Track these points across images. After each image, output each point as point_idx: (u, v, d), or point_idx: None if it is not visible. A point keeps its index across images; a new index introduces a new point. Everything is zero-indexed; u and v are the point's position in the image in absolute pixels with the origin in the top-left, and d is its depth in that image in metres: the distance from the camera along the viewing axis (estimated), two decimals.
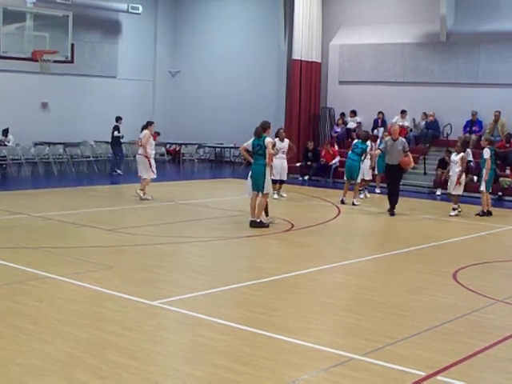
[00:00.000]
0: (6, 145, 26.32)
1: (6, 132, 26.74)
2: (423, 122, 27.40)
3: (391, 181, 18.92)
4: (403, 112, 27.51)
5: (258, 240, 14.82)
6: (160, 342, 8.18)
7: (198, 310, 9.25)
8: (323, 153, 27.12)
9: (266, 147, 15.75)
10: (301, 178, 26.92)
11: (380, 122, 28.33)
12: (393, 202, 18.72)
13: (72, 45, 26.01)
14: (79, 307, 9.31)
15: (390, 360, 7.59)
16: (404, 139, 19.32)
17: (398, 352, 7.92)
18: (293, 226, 16.31)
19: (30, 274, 10.91)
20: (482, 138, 20.86)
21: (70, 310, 9.14)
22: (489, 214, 18.96)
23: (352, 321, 9.22)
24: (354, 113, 29.04)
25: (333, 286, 11.40)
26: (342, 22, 29.96)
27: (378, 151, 19.85)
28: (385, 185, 20.18)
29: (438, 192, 23.51)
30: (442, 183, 22.33)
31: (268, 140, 15.94)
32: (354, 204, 20.01)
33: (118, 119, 27.24)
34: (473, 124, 26.08)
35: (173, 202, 19.82)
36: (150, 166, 19.86)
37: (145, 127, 20.14)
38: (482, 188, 18.90)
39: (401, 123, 27.42)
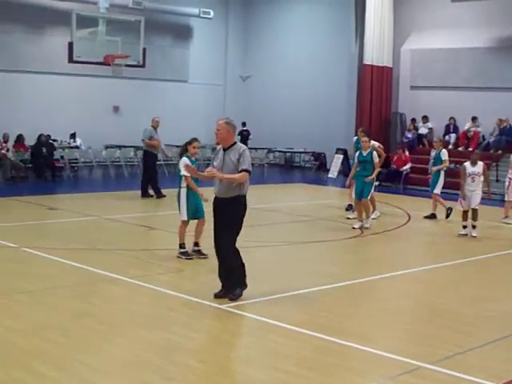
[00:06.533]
0: (77, 147, 26.76)
1: (73, 136, 27.23)
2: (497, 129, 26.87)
3: (218, 230, 9.81)
4: (474, 119, 27.06)
5: (326, 245, 14.73)
6: (226, 345, 8.20)
7: (265, 314, 9.23)
8: (395, 158, 26.87)
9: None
10: None
11: (452, 127, 27.97)
12: (223, 274, 9.90)
13: (144, 49, 26.35)
14: (147, 309, 9.40)
15: (459, 369, 7.45)
16: (245, 147, 10.21)
17: (468, 361, 7.78)
18: (362, 232, 16.18)
19: (99, 276, 11.07)
20: None
21: (139, 312, 9.23)
22: None
23: (420, 329, 9.11)
24: (425, 118, 28.73)
25: (400, 294, 11.27)
26: (413, 26, 29.67)
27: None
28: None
29: None
30: None
31: (375, 154, 16.57)
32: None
33: (245, 124, 30.30)
34: None
35: None
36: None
37: None
38: None
39: (473, 129, 27.08)
